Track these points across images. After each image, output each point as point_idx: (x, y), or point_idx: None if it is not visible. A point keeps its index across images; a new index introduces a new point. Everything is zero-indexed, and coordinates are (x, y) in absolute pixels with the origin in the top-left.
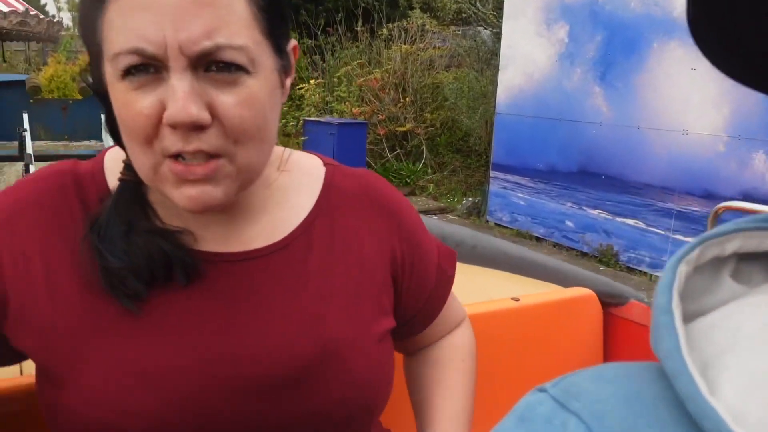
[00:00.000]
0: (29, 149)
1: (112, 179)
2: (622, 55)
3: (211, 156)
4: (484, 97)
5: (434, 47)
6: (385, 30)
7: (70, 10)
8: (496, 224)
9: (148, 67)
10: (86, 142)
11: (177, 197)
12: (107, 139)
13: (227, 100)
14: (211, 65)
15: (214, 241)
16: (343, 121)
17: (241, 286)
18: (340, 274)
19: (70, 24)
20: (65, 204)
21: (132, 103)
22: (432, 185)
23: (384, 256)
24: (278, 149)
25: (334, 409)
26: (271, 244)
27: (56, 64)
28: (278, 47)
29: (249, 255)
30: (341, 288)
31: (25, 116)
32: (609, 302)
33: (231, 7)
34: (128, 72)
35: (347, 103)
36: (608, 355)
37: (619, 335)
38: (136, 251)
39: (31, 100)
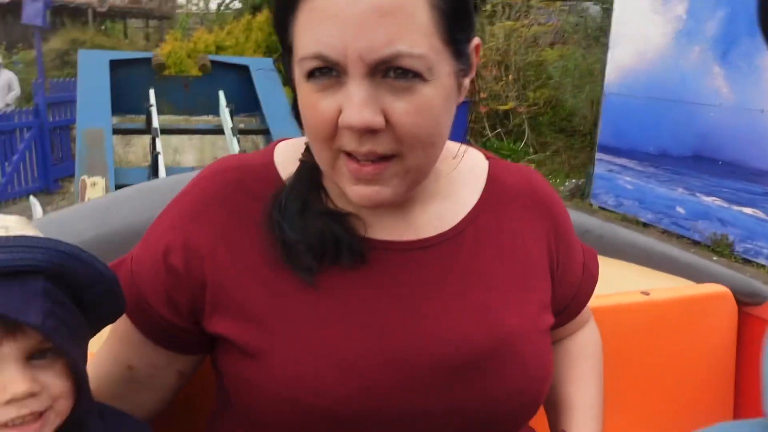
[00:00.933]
0: (155, 123)
1: (284, 171)
2: (746, 34)
3: (382, 157)
4: (590, 75)
5: (539, 24)
6: (488, 6)
7: None
8: (600, 208)
9: (330, 71)
10: (205, 117)
11: (350, 193)
12: (224, 114)
13: (401, 106)
14: (389, 71)
15: (385, 229)
16: None
17: (413, 275)
18: (509, 267)
19: (185, 2)
20: (240, 196)
21: (314, 104)
22: (533, 166)
23: (543, 252)
24: (453, 145)
25: (508, 398)
26: (441, 233)
27: (173, 41)
28: (458, 52)
29: (419, 244)
30: (511, 281)
31: (152, 92)
32: (745, 301)
33: (413, 16)
34: (312, 74)
35: None
36: (741, 357)
37: (755, 336)
38: (309, 229)
39: (157, 77)
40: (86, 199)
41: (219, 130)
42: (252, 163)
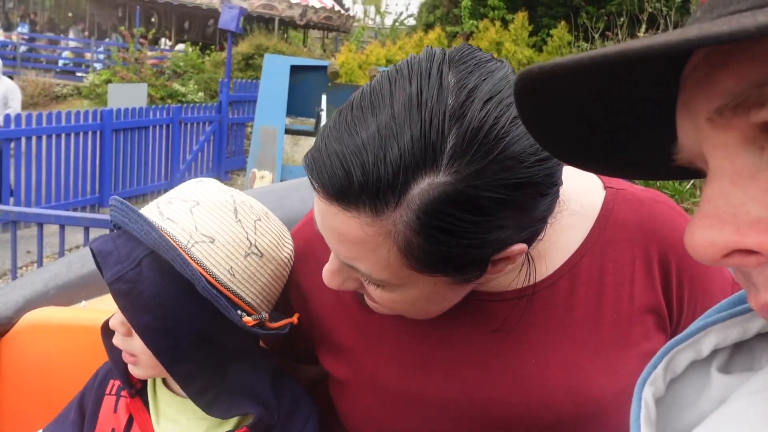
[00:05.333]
0: None
1: None
2: None
3: None
4: None
5: None
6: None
7: (363, 3)
8: None
9: None
10: None
11: None
12: None
13: (370, 288)
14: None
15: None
16: None
17: (497, 327)
18: (607, 319)
19: (362, 15)
20: None
21: None
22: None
23: (656, 298)
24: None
25: None
26: (530, 286)
27: (348, 52)
28: (450, 273)
29: (505, 295)
30: (607, 336)
31: (324, 98)
32: None
33: (376, 252)
34: None
35: None
36: None
37: None
38: None
39: (330, 84)
40: None
41: None
42: None
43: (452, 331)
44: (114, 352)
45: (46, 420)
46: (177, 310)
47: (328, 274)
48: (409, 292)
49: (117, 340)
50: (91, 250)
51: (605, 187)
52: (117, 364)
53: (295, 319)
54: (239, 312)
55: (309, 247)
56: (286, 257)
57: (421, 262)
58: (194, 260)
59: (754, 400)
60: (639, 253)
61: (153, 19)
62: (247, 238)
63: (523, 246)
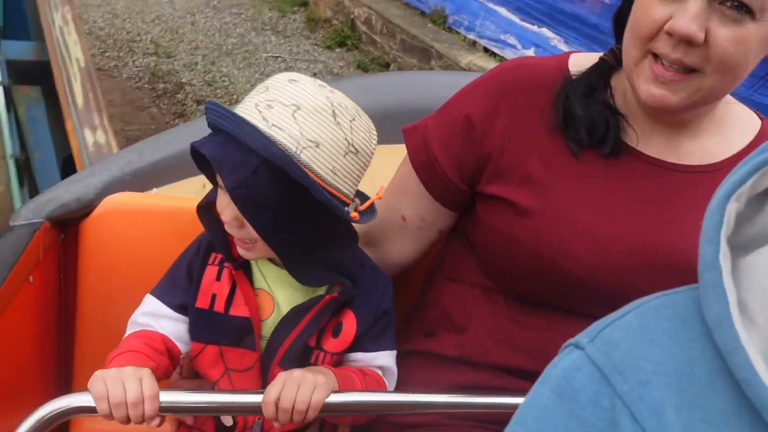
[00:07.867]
0: None
1: (575, 72)
2: None
3: (685, 69)
4: None
5: None
6: None
7: None
8: None
9: None
10: None
11: (642, 91)
12: None
13: (724, 32)
14: (727, 1)
15: (649, 145)
16: None
17: (669, 189)
18: None
19: None
20: (533, 87)
21: (650, 6)
22: None
23: None
24: (730, 97)
25: None
26: (704, 165)
27: None
28: None
29: (683, 168)
30: None
31: None
32: None
33: None
34: None
35: None
36: None
37: None
38: (589, 110)
39: None
40: None
41: None
42: (548, 63)
43: (627, 185)
44: (214, 231)
45: (125, 293)
46: (290, 208)
47: (690, 18)
48: (757, 30)
49: (232, 230)
50: (193, 150)
51: (760, 118)
52: (219, 241)
53: (381, 194)
54: (347, 209)
55: (502, 92)
56: (374, 148)
57: None
58: (303, 165)
59: None
60: None
61: None
62: (345, 139)
63: None
